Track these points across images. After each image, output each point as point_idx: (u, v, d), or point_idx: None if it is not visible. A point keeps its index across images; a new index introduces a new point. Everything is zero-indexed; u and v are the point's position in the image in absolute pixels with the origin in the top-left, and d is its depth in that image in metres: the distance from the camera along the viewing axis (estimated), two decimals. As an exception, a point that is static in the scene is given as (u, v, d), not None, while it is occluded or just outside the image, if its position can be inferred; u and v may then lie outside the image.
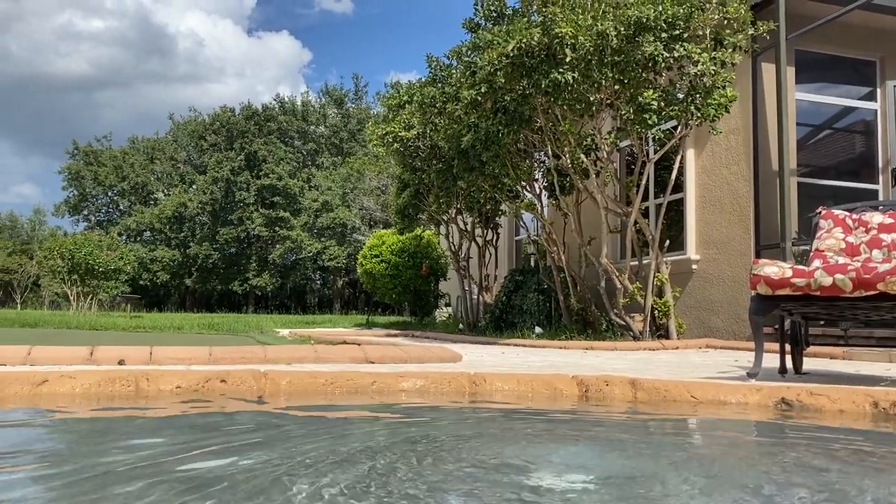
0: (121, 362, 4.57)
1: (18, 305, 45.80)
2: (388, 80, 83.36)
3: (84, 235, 23.48)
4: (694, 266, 9.84)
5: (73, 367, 3.28)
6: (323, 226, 46.81)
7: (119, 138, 58.88)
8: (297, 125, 54.28)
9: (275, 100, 55.68)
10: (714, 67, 8.12)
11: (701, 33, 8.35)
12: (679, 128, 8.86)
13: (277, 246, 49.42)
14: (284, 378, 2.89)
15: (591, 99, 8.56)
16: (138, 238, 52.21)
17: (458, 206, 13.01)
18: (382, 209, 35.91)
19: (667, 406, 2.94)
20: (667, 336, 9.25)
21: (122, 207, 55.54)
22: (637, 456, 1.91)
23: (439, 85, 11.39)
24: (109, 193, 55.39)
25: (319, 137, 54.67)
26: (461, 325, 13.59)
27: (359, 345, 5.76)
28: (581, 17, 8.16)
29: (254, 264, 50.58)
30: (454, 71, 10.73)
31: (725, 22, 8.48)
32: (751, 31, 8.44)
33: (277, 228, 49.20)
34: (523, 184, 10.92)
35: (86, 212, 55.72)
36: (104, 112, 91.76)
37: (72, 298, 21.51)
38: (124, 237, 49.08)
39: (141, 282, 47.10)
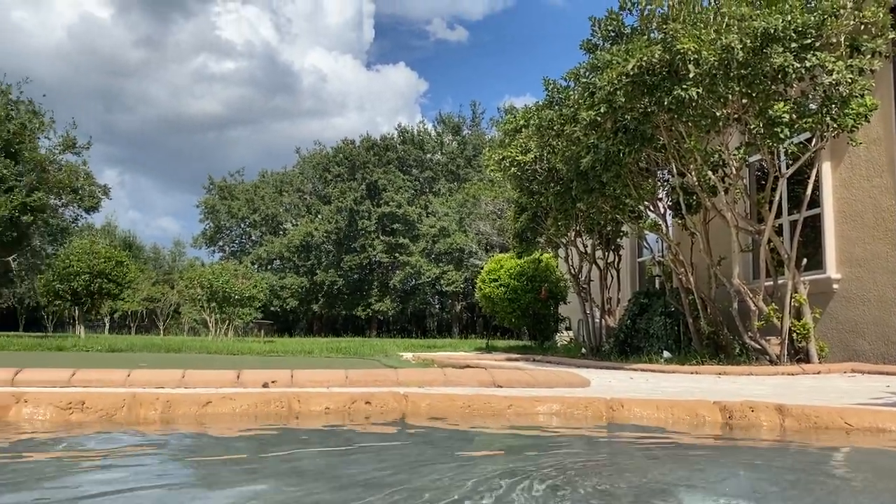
0: (265, 385, 4.84)
1: (161, 331, 49.17)
2: (502, 105, 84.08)
3: (221, 266, 24.99)
4: (835, 286, 9.26)
5: (234, 390, 3.52)
6: (440, 251, 47.54)
7: (250, 172, 62.42)
8: (414, 154, 55.65)
9: (395, 129, 57.45)
10: (850, 75, 7.69)
11: (835, 41, 7.94)
12: (813, 140, 8.43)
13: (397, 272, 50.63)
14: (424, 400, 2.98)
15: (718, 114, 8.30)
16: (269, 266, 54.92)
17: (578, 228, 12.88)
18: (499, 233, 36.06)
19: (818, 434, 2.79)
20: (807, 360, 8.73)
21: (253, 238, 58.73)
22: (799, 488, 1.84)
23: (556, 107, 11.38)
24: (242, 225, 58.72)
25: (436, 165, 55.76)
26: (584, 350, 13.38)
27: (485, 369, 5.81)
28: (703, 31, 7.96)
29: (376, 290, 51.99)
30: (571, 93, 10.69)
31: (862, 27, 8.02)
32: (891, 35, 7.94)
33: (397, 254, 50.42)
34: (646, 203, 10.69)
35: (221, 243, 59.29)
36: (235, 148, 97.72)
37: (210, 325, 22.87)
38: (256, 266, 51.76)
39: (272, 308, 49.43)
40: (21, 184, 23.52)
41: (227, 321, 23.17)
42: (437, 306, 55.70)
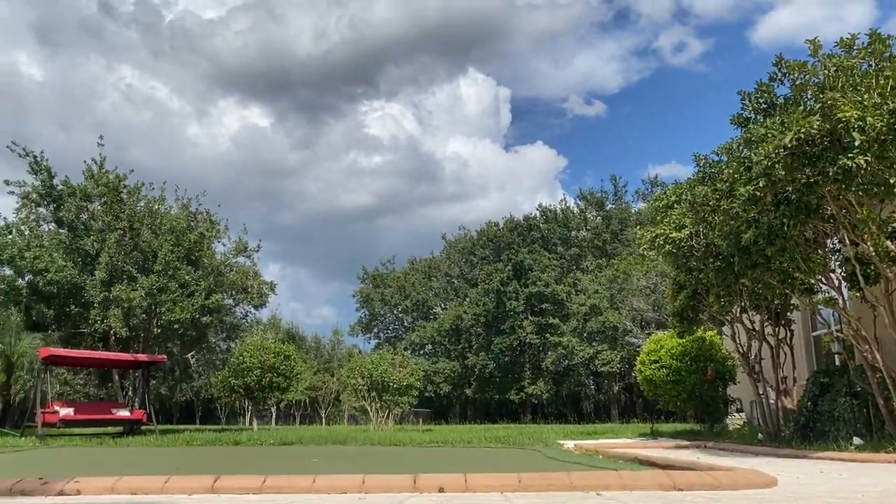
0: (441, 490, 4.92)
1: (323, 420, 50.99)
2: (646, 177, 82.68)
3: (379, 355, 25.83)
4: None
5: (419, 499, 3.62)
6: (593, 330, 46.54)
7: (400, 257, 64.88)
8: (558, 231, 55.64)
9: (536, 209, 57.96)
10: None
11: None
12: None
13: (549, 352, 49.94)
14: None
15: (891, 181, 7.77)
16: (421, 351, 56.02)
17: (742, 304, 12.28)
18: (654, 309, 34.88)
19: None
20: None
21: (406, 323, 60.39)
22: None
23: (709, 182, 11.10)
24: (395, 311, 60.65)
25: (581, 241, 55.37)
26: (760, 435, 12.48)
27: (661, 468, 5.59)
28: (865, 96, 7.58)
29: (528, 372, 51.45)
30: (725, 167, 10.42)
31: None
32: None
33: (548, 335, 49.87)
34: (818, 277, 10.05)
35: (376, 329, 61.38)
36: (385, 235, 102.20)
37: (371, 413, 23.52)
38: (409, 351, 52.96)
39: (426, 393, 50.10)
40: (201, 288, 25.76)
41: (387, 409, 23.73)
42: (592, 387, 54.14)
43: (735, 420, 15.71)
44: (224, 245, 29.36)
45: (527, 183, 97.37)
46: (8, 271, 24.79)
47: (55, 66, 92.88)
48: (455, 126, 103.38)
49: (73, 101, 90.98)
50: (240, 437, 17.90)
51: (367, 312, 60.80)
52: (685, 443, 12.75)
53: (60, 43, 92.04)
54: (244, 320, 39.50)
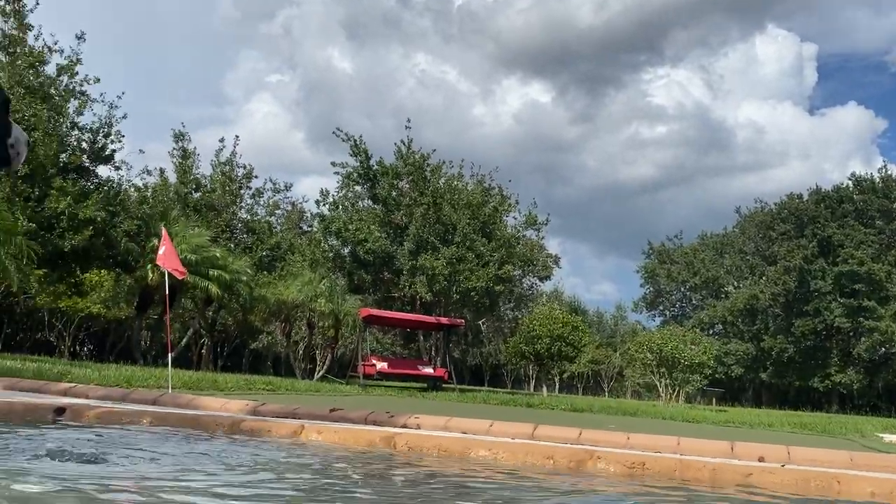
0: (760, 459, 4.86)
1: (606, 393, 51.13)
2: None
3: (669, 331, 25.29)
4: None
5: (772, 465, 3.69)
6: (919, 315, 40.59)
7: (688, 232, 61.96)
8: (877, 203, 49.05)
9: (848, 178, 51.68)
10: None
11: None
12: None
13: (863, 338, 44.57)
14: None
15: None
16: (710, 331, 53.37)
17: None
18: None
19: None
20: None
21: (694, 302, 57.88)
22: None
23: None
24: (682, 289, 58.40)
25: (907, 214, 48.25)
26: None
27: None
28: None
29: (835, 358, 46.48)
30: None
31: None
32: None
33: (861, 319, 44.49)
34: None
35: (661, 307, 59.72)
36: (668, 209, 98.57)
37: (660, 389, 23.17)
38: (698, 330, 50.80)
39: (716, 375, 47.74)
40: (494, 258, 27.38)
41: (676, 387, 23.19)
42: (916, 380, 47.28)
43: None
44: (515, 219, 30.73)
45: (836, 149, 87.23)
46: (335, 242, 28.58)
47: (362, 59, 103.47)
48: (750, 90, 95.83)
49: (376, 90, 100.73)
50: (531, 401, 18.77)
51: (651, 289, 59.38)
52: None
53: (366, 36, 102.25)
54: (530, 291, 41.03)
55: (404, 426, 6.20)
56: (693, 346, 22.88)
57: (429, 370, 24.58)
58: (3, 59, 21.89)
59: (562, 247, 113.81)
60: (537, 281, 36.67)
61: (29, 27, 22.06)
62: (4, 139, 2.51)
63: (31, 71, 21.76)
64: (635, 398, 43.59)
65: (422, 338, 30.64)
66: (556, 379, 53.96)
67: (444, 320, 24.99)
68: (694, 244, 58.97)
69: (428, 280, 26.57)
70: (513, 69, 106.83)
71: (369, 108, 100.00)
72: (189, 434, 3.53)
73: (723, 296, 55.11)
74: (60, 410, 3.91)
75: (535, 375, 50.37)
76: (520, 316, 38.14)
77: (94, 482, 1.92)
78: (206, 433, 3.63)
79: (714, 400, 30.60)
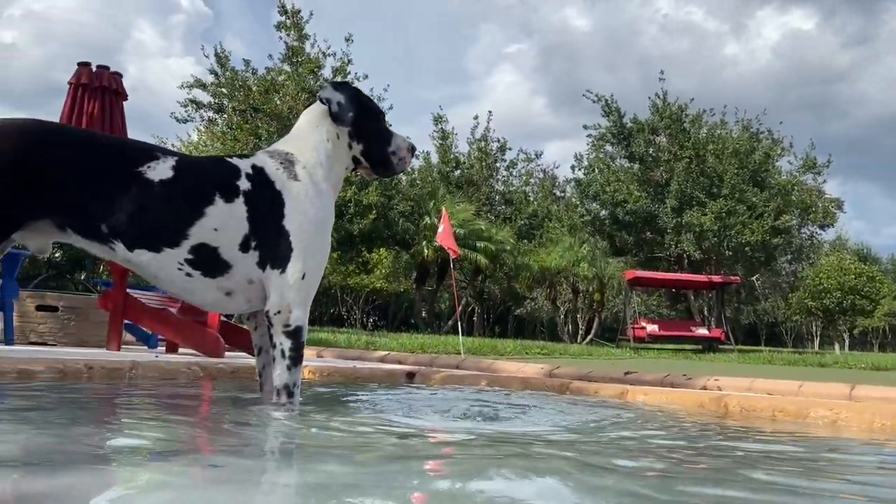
0: None
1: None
2: None
3: None
4: None
5: None
6: None
7: None
8: None
9: None
10: None
11: None
12: None
13: None
14: None
15: None
16: None
17: None
18: None
19: None
20: None
21: None
22: None
23: None
24: None
25: None
26: None
27: None
28: None
29: None
30: None
31: None
32: None
33: None
34: None
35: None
36: None
37: None
38: None
39: None
40: (768, 209, 25.34)
41: None
42: None
43: None
44: (790, 163, 28.14)
45: None
46: (593, 205, 28.42)
47: (598, 14, 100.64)
48: None
49: (616, 44, 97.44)
50: (823, 360, 17.24)
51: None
52: None
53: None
54: (809, 242, 37.34)
55: (704, 388, 6.09)
56: None
57: (703, 331, 23.62)
58: (289, 70, 24.73)
59: (841, 188, 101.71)
60: (817, 230, 33.30)
61: (306, 37, 24.64)
62: (384, 147, 2.87)
63: (310, 76, 24.32)
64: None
65: (692, 297, 29.42)
66: (846, 335, 48.98)
67: (716, 278, 23.81)
68: None
69: (695, 237, 25.40)
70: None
71: (611, 63, 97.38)
72: (531, 394, 3.79)
73: None
74: (411, 375, 4.41)
75: (819, 332, 46.08)
76: (799, 269, 34.92)
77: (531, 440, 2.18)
78: (536, 393, 3.87)
79: None
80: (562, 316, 32.73)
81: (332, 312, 37.98)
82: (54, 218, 2.33)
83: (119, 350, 5.37)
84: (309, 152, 2.73)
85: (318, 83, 24.22)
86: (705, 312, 28.54)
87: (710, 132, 27.87)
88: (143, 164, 2.41)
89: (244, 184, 2.54)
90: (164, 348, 6.46)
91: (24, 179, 2.22)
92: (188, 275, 2.50)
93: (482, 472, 1.65)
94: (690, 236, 25.32)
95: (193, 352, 5.55)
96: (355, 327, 30.54)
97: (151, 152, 2.48)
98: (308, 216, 2.60)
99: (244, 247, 2.52)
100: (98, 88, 7.27)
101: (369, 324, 37.00)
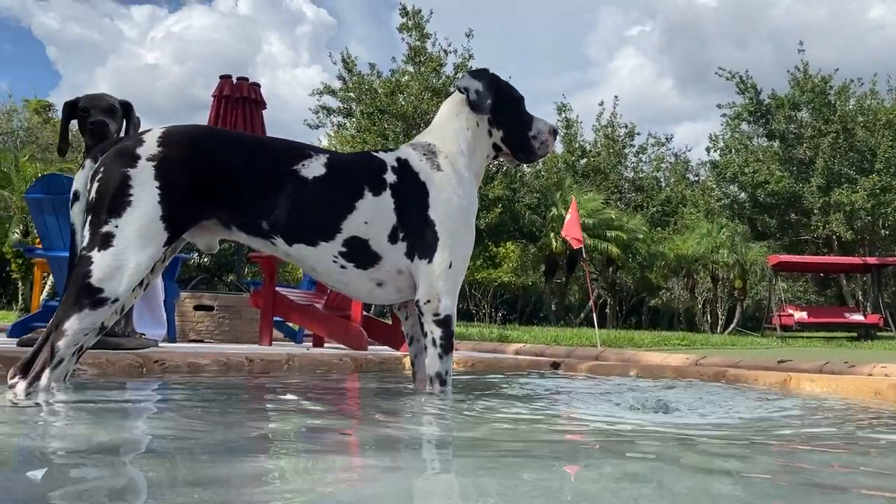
0: None
1: None
2: None
3: None
4: None
5: None
6: None
7: None
8: None
9: None
10: None
11: None
12: None
13: None
14: None
15: None
16: None
17: None
18: None
19: None
20: None
21: None
22: None
23: None
24: None
25: None
26: None
27: None
28: None
29: None
30: None
31: None
32: None
33: None
34: None
35: None
36: None
37: None
38: None
39: None
40: (930, 182, 23.17)
41: None
42: None
43: None
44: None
45: None
46: (731, 188, 27.05)
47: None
48: None
49: (745, 17, 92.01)
50: None
51: None
52: None
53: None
54: None
55: (870, 374, 5.65)
56: None
57: (858, 317, 21.91)
58: (412, 70, 25.19)
59: None
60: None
61: (427, 36, 25.00)
62: (525, 133, 2.84)
63: (433, 75, 24.64)
64: None
65: (844, 282, 27.41)
66: None
67: (872, 260, 21.99)
68: None
69: (846, 217, 23.59)
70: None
71: (740, 37, 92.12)
72: (688, 383, 3.64)
73: None
74: (556, 364, 4.36)
75: None
76: None
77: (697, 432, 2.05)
78: (692, 382, 3.71)
79: None
80: (700, 305, 31.41)
81: (461, 307, 38.40)
82: (221, 217, 2.44)
83: (271, 345, 5.64)
84: (450, 142, 2.73)
85: (440, 81, 24.51)
86: (859, 297, 26.46)
87: (858, 103, 25.77)
88: (297, 162, 2.49)
89: (390, 177, 2.58)
90: (310, 343, 6.73)
91: (196, 181, 2.33)
92: (342, 267, 2.56)
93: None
94: (840, 216, 23.52)
95: (339, 346, 5.74)
96: (485, 321, 30.70)
97: (304, 150, 2.57)
98: (452, 205, 2.61)
99: (392, 238, 2.55)
100: (239, 99, 7.71)
101: (498, 318, 37.12)
